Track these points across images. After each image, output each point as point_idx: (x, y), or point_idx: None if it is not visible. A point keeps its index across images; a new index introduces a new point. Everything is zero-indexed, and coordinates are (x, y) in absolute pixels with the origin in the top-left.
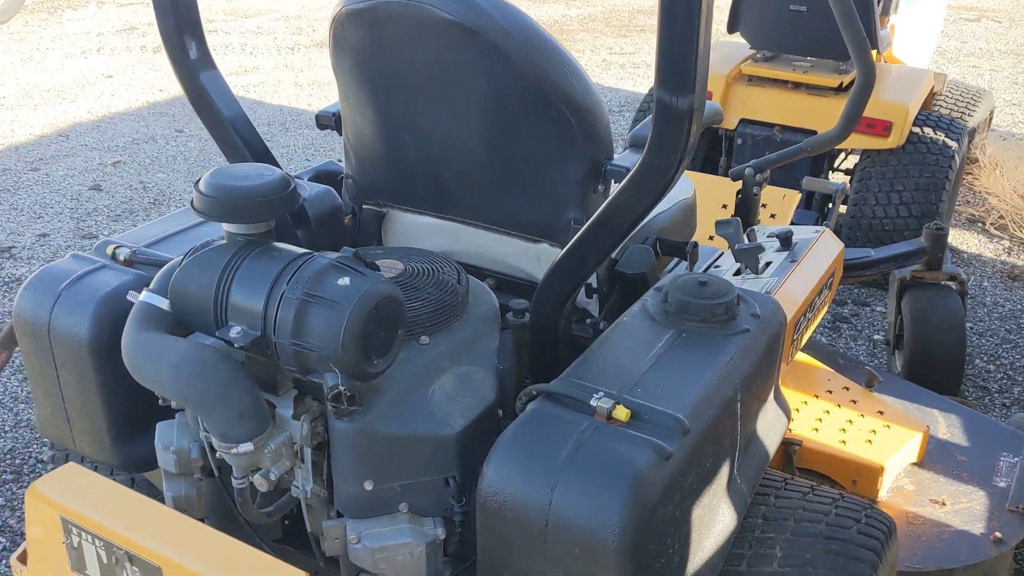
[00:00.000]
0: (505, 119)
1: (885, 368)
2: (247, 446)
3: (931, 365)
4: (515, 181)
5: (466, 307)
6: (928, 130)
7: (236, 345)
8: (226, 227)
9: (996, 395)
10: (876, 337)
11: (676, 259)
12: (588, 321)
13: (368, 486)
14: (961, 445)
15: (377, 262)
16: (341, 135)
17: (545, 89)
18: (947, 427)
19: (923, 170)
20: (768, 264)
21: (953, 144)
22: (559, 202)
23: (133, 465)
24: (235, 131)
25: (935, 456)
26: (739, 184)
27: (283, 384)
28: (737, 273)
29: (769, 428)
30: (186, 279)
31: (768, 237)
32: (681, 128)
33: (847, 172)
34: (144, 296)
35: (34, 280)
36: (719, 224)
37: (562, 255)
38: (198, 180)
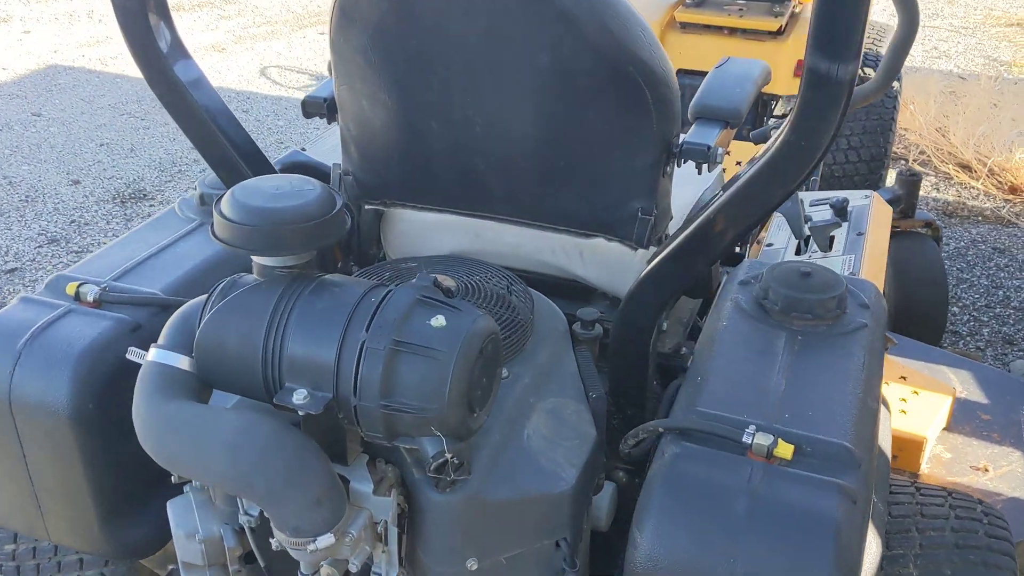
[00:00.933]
0: (570, 98)
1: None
2: (327, 538)
3: (915, 316)
4: (572, 170)
5: (533, 324)
6: (868, 71)
7: (303, 412)
8: (261, 260)
9: (968, 339)
10: None
11: None
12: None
13: (472, 565)
14: (981, 403)
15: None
16: (329, 124)
17: (622, 61)
18: (961, 385)
19: (868, 112)
20: (832, 239)
21: (896, 84)
22: (624, 191)
23: (130, 551)
24: (219, 129)
25: (960, 418)
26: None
27: (351, 450)
28: (797, 252)
29: (885, 429)
30: (220, 331)
31: (813, 205)
32: (837, 102)
33: (781, 117)
34: (155, 355)
35: None
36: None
37: (664, 256)
38: (218, 201)
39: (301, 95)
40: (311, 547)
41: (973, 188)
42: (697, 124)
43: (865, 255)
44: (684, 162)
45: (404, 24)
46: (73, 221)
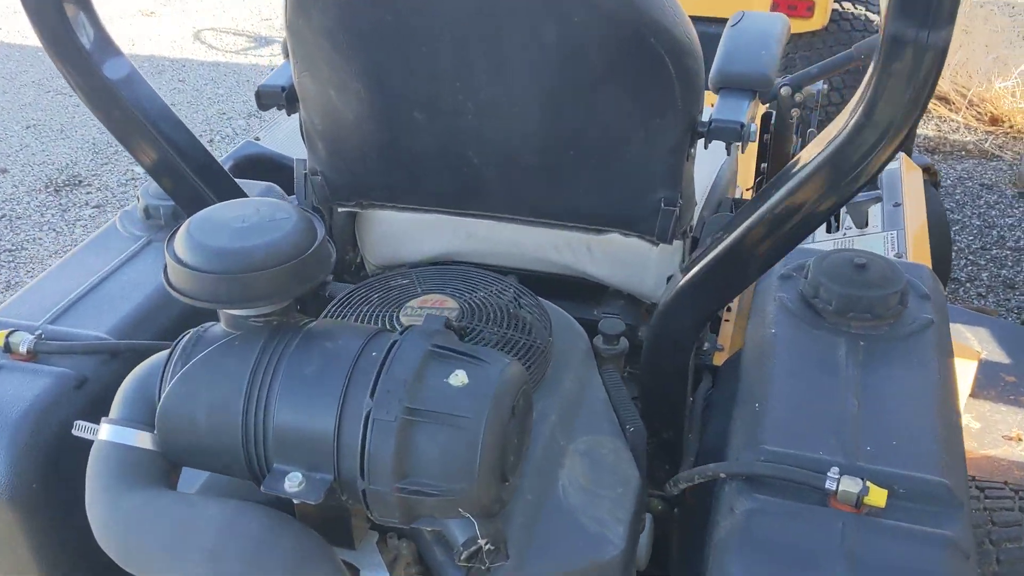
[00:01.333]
0: (581, 77)
1: None
2: None
3: None
4: (583, 158)
5: (552, 345)
6: (848, 5)
7: (299, 501)
8: (231, 309)
9: (968, 285)
10: None
11: None
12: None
13: None
14: (1002, 363)
15: (415, 303)
16: (289, 115)
17: (641, 29)
18: (980, 343)
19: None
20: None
21: (875, 18)
22: (644, 180)
23: None
24: (159, 134)
25: (983, 382)
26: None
27: (358, 529)
28: (827, 228)
29: None
30: (187, 401)
31: None
32: (925, 75)
33: None
34: (109, 433)
35: None
36: None
37: (708, 260)
38: (170, 240)
39: (240, 59)
40: None
41: (953, 121)
42: (722, 96)
43: (908, 231)
44: (710, 143)
45: (378, 1)
46: (3, 215)
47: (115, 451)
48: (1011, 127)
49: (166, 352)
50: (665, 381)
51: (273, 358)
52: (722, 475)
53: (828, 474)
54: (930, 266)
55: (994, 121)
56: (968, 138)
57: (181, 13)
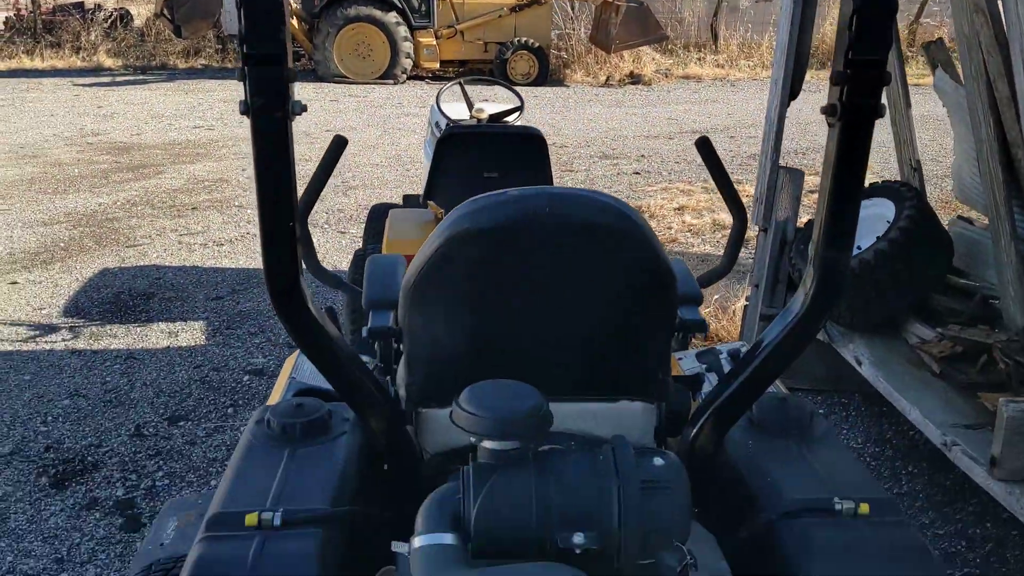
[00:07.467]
0: (621, 301)
1: None
2: None
3: None
4: (616, 351)
5: None
6: None
7: (581, 550)
8: (492, 445)
9: None
10: None
11: None
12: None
13: None
14: None
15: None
16: (388, 347)
17: (660, 270)
18: None
19: None
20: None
21: None
22: (652, 362)
23: None
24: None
25: None
26: None
27: None
28: None
29: None
30: (496, 504)
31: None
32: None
33: None
34: (427, 539)
35: None
36: (700, 354)
37: (740, 382)
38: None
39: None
40: None
41: None
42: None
43: None
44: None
45: (500, 260)
46: None
47: (439, 549)
48: None
49: (454, 484)
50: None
51: (543, 470)
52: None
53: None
54: None
55: None
56: None
57: None
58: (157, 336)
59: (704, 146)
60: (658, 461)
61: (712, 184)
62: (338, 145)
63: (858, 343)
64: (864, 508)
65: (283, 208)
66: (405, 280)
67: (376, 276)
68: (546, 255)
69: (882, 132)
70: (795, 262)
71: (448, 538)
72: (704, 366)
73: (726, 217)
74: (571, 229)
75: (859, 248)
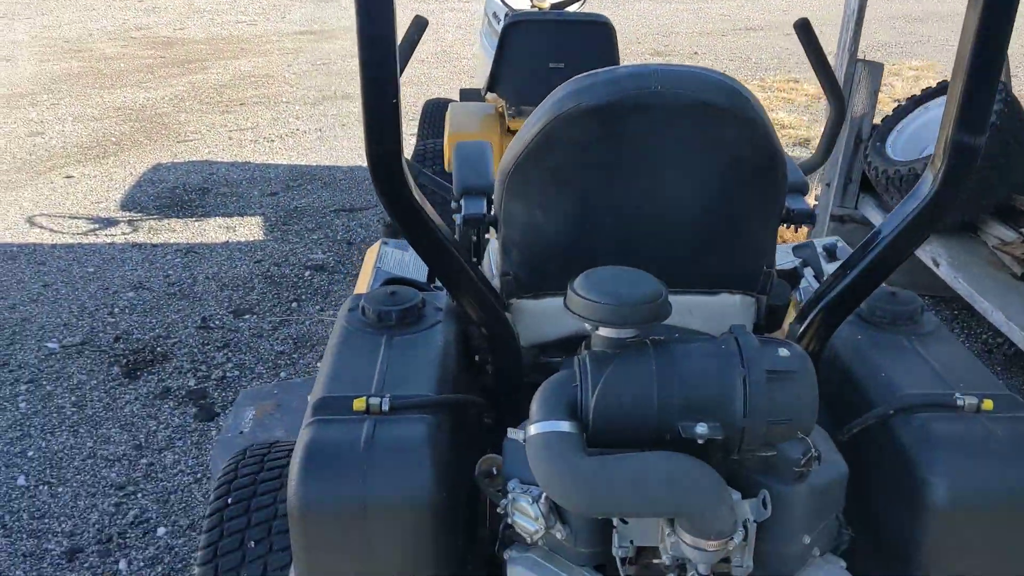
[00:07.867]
0: (732, 184)
1: None
2: (740, 533)
3: None
4: (721, 240)
5: None
6: None
7: (704, 440)
8: (610, 333)
9: None
10: None
11: None
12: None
13: (807, 540)
14: None
15: None
16: (486, 234)
17: (771, 151)
18: None
19: None
20: None
21: None
22: (758, 252)
23: None
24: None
25: None
26: None
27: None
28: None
29: None
30: (615, 392)
31: (794, 251)
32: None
33: None
34: (544, 426)
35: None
36: (796, 248)
37: (857, 272)
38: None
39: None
40: (731, 545)
41: None
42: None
43: None
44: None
45: (607, 141)
46: None
47: (557, 436)
48: None
49: (568, 371)
50: None
51: (664, 359)
52: (891, 412)
53: (957, 395)
54: None
55: None
56: None
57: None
58: (215, 231)
59: (804, 29)
60: (783, 351)
61: (768, 82)
62: (419, 26)
63: (935, 244)
64: (988, 404)
65: (386, 86)
66: (502, 165)
67: (467, 162)
68: (655, 136)
69: None
70: (871, 160)
71: (565, 426)
72: (800, 260)
73: (783, 116)
74: (682, 107)
75: None
